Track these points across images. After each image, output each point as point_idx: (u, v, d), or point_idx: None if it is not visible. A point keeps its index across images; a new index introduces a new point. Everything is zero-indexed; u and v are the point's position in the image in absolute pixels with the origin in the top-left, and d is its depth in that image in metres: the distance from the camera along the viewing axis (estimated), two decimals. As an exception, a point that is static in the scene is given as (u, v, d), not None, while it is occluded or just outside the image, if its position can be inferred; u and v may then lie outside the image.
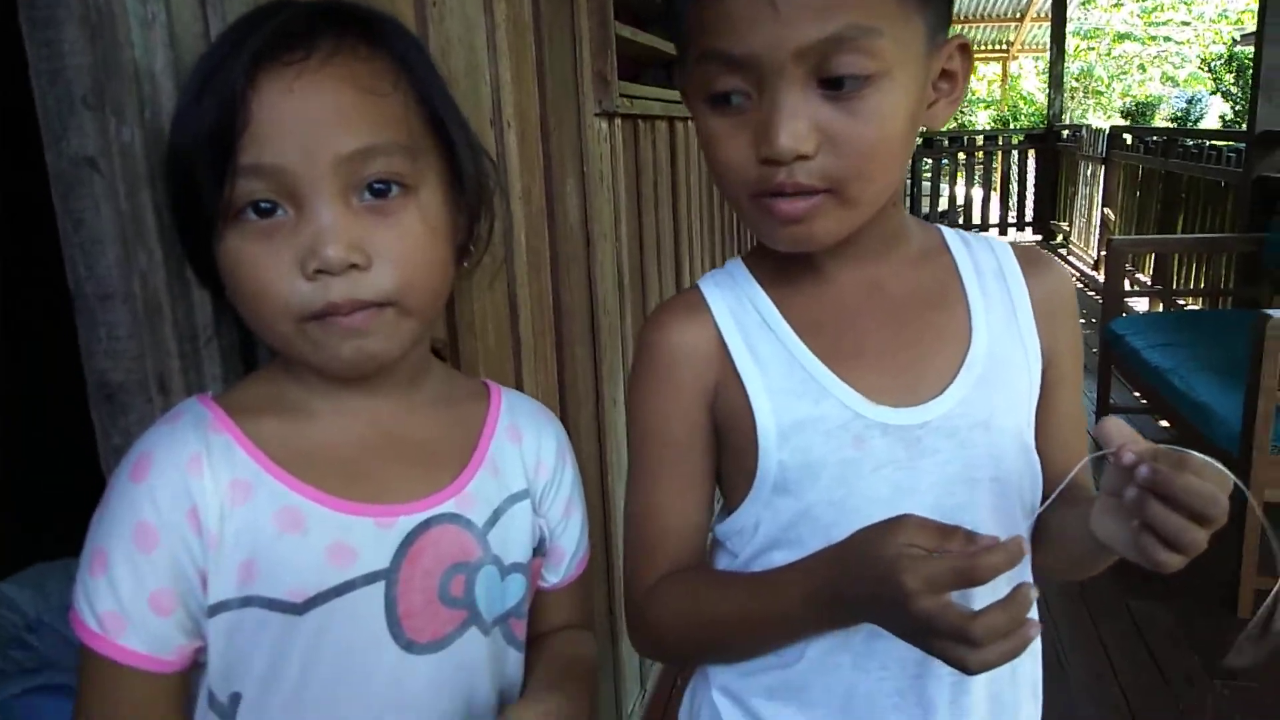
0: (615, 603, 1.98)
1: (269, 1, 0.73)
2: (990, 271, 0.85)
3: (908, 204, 7.92)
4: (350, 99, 0.67)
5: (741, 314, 0.83)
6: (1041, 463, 0.84)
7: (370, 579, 0.71)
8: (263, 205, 0.67)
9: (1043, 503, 0.83)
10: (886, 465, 0.78)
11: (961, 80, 0.78)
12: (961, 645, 0.63)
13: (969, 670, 0.64)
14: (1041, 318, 0.84)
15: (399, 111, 0.70)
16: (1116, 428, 0.66)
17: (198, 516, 0.67)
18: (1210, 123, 15.67)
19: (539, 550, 0.84)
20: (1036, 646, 0.86)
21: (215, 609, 0.69)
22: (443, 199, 0.74)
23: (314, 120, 0.66)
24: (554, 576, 0.88)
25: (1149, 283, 5.78)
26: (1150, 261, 5.90)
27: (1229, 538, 2.37)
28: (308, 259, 0.66)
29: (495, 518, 0.78)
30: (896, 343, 0.81)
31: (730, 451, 0.84)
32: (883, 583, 0.65)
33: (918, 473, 0.78)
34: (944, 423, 0.79)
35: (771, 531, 0.81)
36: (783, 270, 0.84)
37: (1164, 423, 3.73)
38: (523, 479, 0.82)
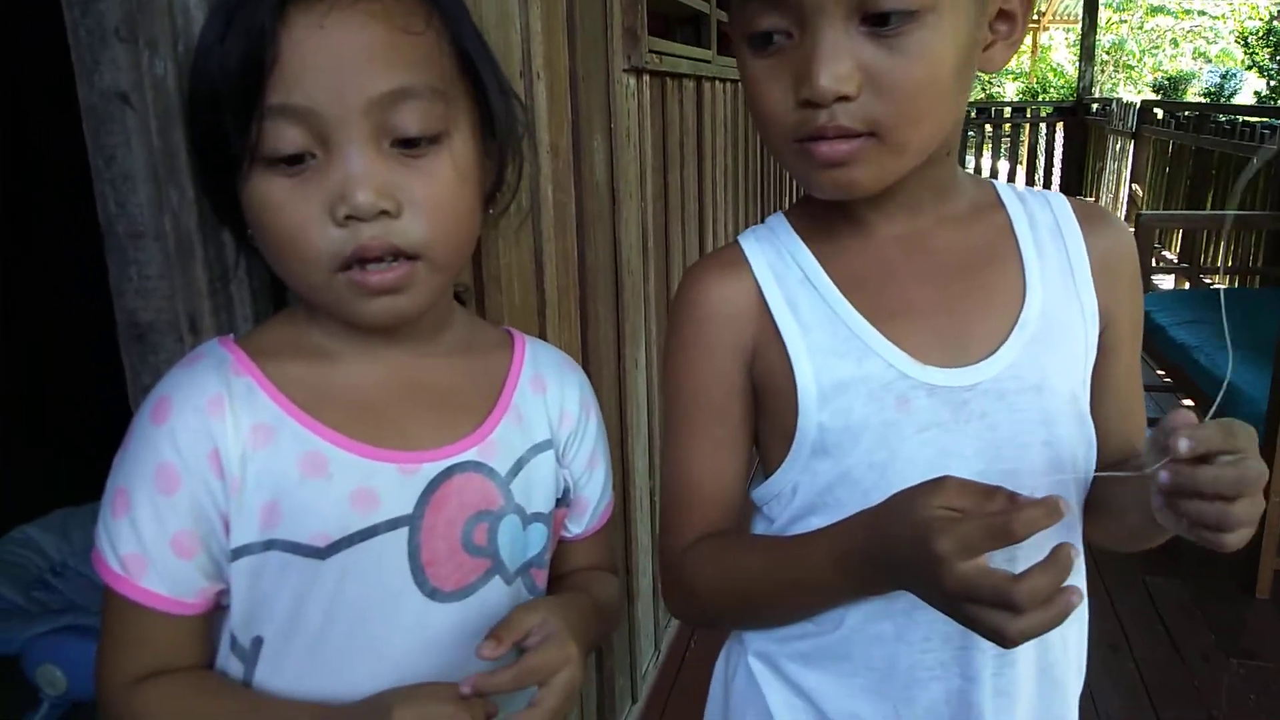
0: (632, 562, 1.99)
1: None
2: (1046, 227, 0.82)
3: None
4: (383, 37, 0.65)
5: (782, 270, 0.80)
6: (1097, 428, 0.81)
7: (393, 525, 0.71)
8: (291, 155, 0.65)
9: (1098, 469, 0.81)
10: (931, 427, 0.75)
11: (1021, 21, 0.74)
12: (1000, 612, 0.59)
13: (1007, 641, 0.60)
14: (1100, 276, 0.81)
15: (431, 51, 0.68)
16: (1181, 419, 0.64)
17: (219, 459, 0.67)
18: (1244, 99, 15.38)
19: (562, 501, 0.84)
20: (1084, 615, 0.84)
21: (238, 552, 0.68)
22: (473, 144, 0.72)
23: (345, 59, 0.64)
24: (577, 527, 0.87)
25: (1176, 260, 5.71)
26: (1178, 238, 5.82)
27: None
28: (337, 205, 0.64)
29: (518, 467, 0.78)
30: (944, 301, 0.78)
31: (769, 413, 0.82)
32: (917, 545, 0.62)
33: (964, 436, 0.76)
34: (993, 385, 0.76)
35: (809, 496, 0.80)
36: (826, 225, 0.81)
37: (1188, 401, 3.70)
38: (546, 429, 0.81)
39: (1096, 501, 0.81)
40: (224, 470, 0.67)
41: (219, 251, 0.79)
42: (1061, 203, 0.84)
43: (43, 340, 2.37)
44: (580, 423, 0.85)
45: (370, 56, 0.65)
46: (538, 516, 0.80)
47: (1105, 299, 0.81)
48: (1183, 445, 0.61)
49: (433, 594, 0.73)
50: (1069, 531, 0.81)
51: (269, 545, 0.68)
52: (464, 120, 0.71)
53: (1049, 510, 0.59)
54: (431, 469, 0.73)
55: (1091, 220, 0.83)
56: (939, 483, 0.65)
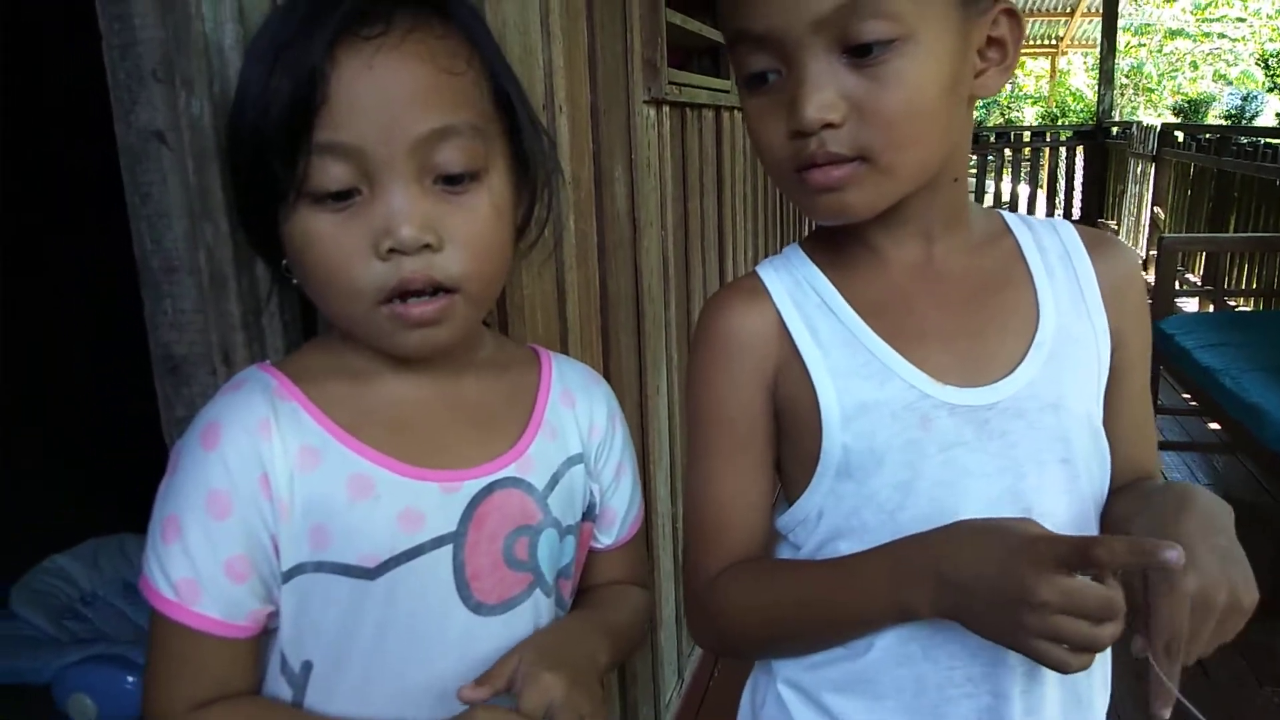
0: (655, 588, 1.98)
1: None
2: (1055, 252, 0.84)
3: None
4: (428, 77, 0.67)
5: (801, 296, 0.82)
6: (1110, 447, 0.83)
7: (438, 542, 0.72)
8: (338, 192, 0.67)
9: (1111, 487, 0.83)
10: (954, 446, 0.77)
11: (1013, 47, 0.76)
12: (1095, 625, 0.63)
13: (1069, 669, 0.64)
14: (1109, 298, 0.83)
15: (471, 90, 0.70)
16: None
17: (269, 482, 0.68)
18: (1266, 121, 15.31)
19: (589, 514, 0.85)
20: None
21: (289, 574, 0.70)
22: (508, 180, 0.74)
23: (392, 99, 0.66)
24: (607, 538, 0.89)
25: (1199, 283, 5.67)
26: (1201, 261, 5.78)
27: (1281, 541, 2.32)
28: (382, 239, 0.66)
29: (554, 481, 0.80)
30: (961, 324, 0.80)
31: (792, 437, 0.83)
32: (1008, 579, 0.65)
33: (986, 455, 0.77)
34: (1013, 403, 0.77)
35: (835, 519, 0.80)
36: (841, 252, 0.83)
37: (1214, 425, 3.66)
38: (578, 442, 0.83)
39: (1111, 521, 0.82)
40: (273, 493, 0.69)
41: (252, 284, 0.81)
42: (1068, 229, 0.86)
43: (83, 368, 2.41)
44: (608, 434, 0.87)
45: (416, 97, 0.67)
46: (570, 529, 0.82)
47: (1115, 321, 0.83)
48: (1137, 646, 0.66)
49: (477, 608, 0.74)
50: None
51: (319, 567, 0.70)
52: (500, 156, 0.73)
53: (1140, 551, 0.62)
54: (473, 486, 0.74)
55: (1098, 246, 0.85)
56: (1033, 528, 0.68)
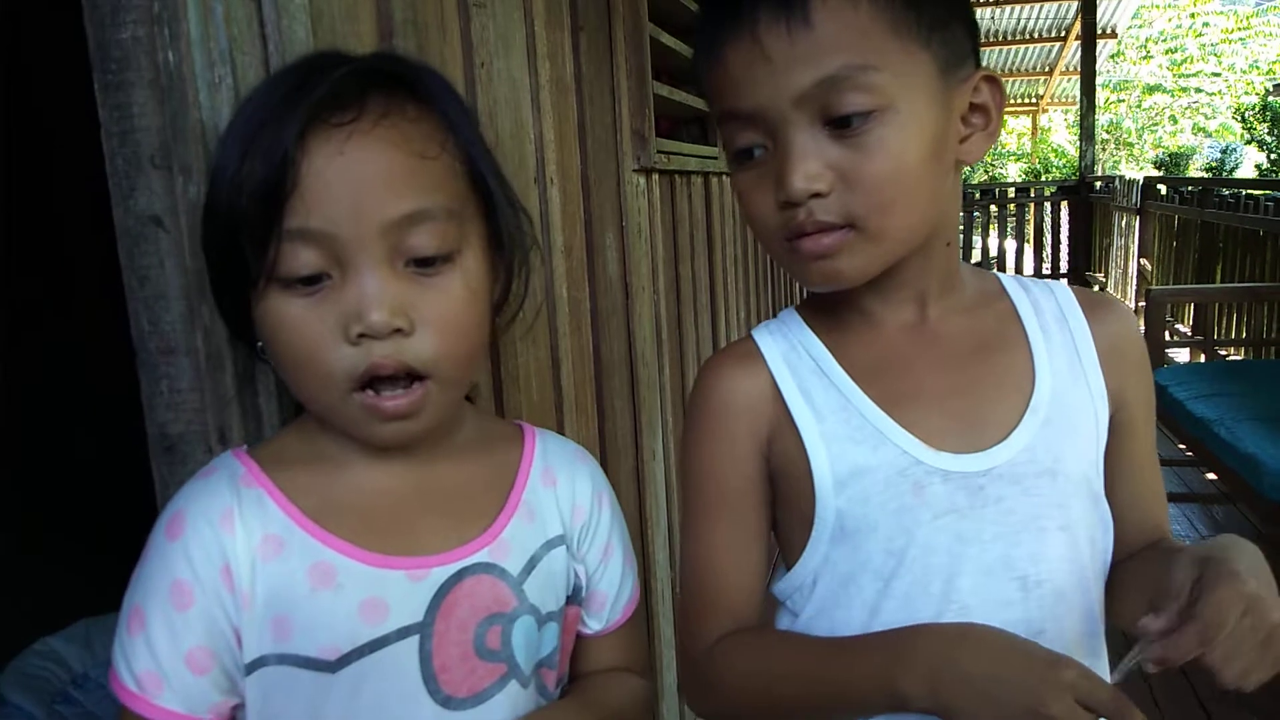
0: (655, 656, 1.96)
1: (312, 55, 0.74)
2: (1051, 314, 0.84)
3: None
4: (400, 163, 0.67)
5: (795, 360, 0.83)
6: (1115, 512, 0.82)
7: (403, 633, 0.70)
8: (308, 276, 0.66)
9: (1116, 554, 0.81)
10: (947, 514, 0.76)
11: (995, 113, 0.78)
12: None
13: None
14: (1107, 361, 0.83)
15: (445, 174, 0.70)
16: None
17: (231, 572, 0.67)
18: (1245, 172, 15.57)
19: (574, 598, 0.82)
20: None
21: (251, 666, 0.68)
22: (483, 259, 0.74)
23: (363, 184, 0.66)
24: (597, 623, 0.85)
25: (1189, 333, 5.71)
26: (1190, 312, 5.83)
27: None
28: (352, 324, 0.65)
29: (531, 565, 0.77)
30: (956, 387, 0.80)
31: (786, 502, 0.83)
32: (1028, 693, 0.64)
33: (981, 521, 0.77)
34: (1008, 469, 0.77)
35: (831, 585, 0.80)
36: (835, 316, 0.84)
37: (1211, 475, 3.66)
38: (559, 524, 0.81)
39: (1114, 585, 0.82)
40: (235, 584, 0.68)
41: (248, 364, 0.81)
42: (1064, 291, 0.87)
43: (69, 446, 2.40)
44: (592, 514, 0.84)
45: (387, 182, 0.66)
46: (551, 616, 0.79)
47: (1114, 383, 0.83)
48: (1150, 669, 0.64)
49: (446, 702, 0.72)
50: (1089, 619, 0.81)
51: (281, 659, 0.68)
52: (475, 236, 0.73)
53: None
54: (441, 573, 0.72)
55: (1095, 307, 0.85)
56: (1055, 662, 0.67)
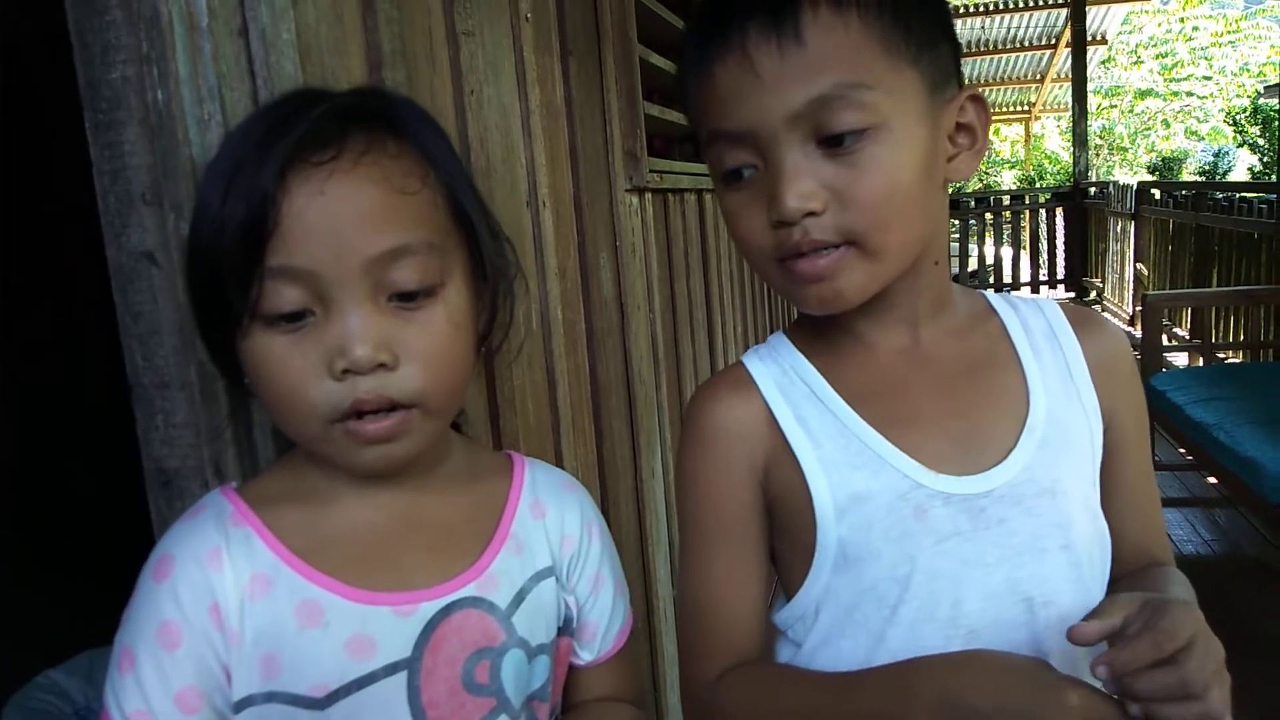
0: (659, 675, 1.95)
1: (291, 92, 0.74)
2: (1040, 332, 0.84)
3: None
4: (381, 200, 0.67)
5: (789, 386, 0.82)
6: (1111, 529, 0.81)
7: (391, 669, 0.70)
8: (291, 314, 0.66)
9: (1113, 572, 0.81)
10: (950, 537, 0.75)
11: (981, 132, 0.78)
12: None
13: None
14: (1099, 378, 0.82)
15: (427, 207, 0.70)
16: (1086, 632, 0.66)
17: (219, 611, 0.68)
18: (1239, 175, 15.61)
19: (565, 629, 0.82)
20: None
21: (240, 704, 0.68)
22: (467, 291, 0.74)
23: (345, 222, 0.66)
24: (589, 654, 0.84)
25: (1187, 337, 5.72)
26: (1187, 315, 5.84)
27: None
28: (336, 359, 0.66)
29: (520, 598, 0.76)
30: (951, 409, 0.79)
31: (787, 530, 0.81)
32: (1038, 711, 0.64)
33: (984, 544, 0.75)
34: (1009, 490, 0.76)
35: (835, 614, 0.79)
36: (826, 340, 0.83)
37: (1211, 479, 3.66)
38: (548, 555, 0.80)
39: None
40: (224, 623, 0.68)
41: (241, 398, 0.82)
42: (1053, 308, 0.86)
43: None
44: (582, 545, 0.83)
45: (368, 219, 0.66)
46: (541, 648, 0.78)
47: (1106, 399, 0.82)
48: (1100, 671, 0.63)
49: None
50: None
51: (270, 697, 0.68)
52: (458, 269, 0.72)
53: None
54: (429, 609, 0.72)
55: (1084, 324, 0.85)
56: (1043, 665, 0.67)
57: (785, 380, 0.82)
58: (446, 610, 0.72)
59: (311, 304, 0.66)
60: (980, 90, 0.79)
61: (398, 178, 0.68)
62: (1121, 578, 0.82)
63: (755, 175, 0.74)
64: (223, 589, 0.68)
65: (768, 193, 0.72)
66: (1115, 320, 7.53)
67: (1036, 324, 0.84)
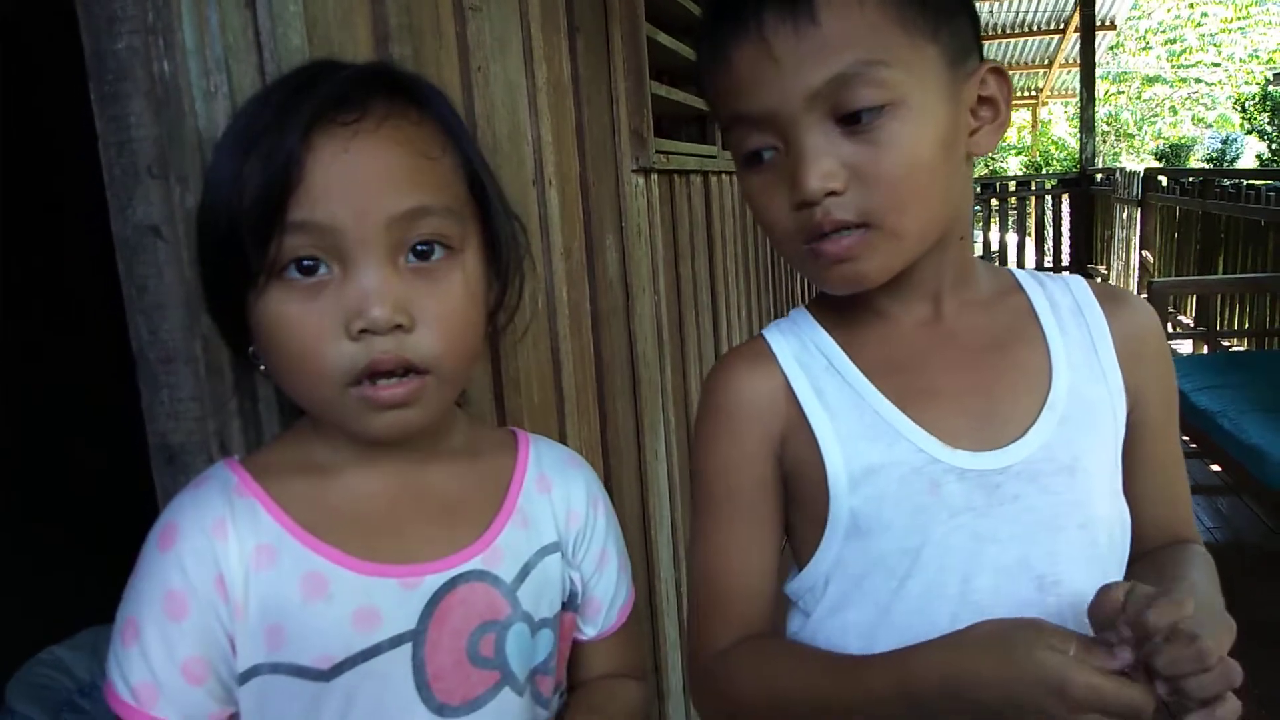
0: (661, 657, 1.96)
1: (311, 63, 0.75)
2: (1067, 308, 0.83)
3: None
4: (403, 161, 0.68)
5: (807, 359, 0.82)
6: (1133, 510, 0.81)
7: (396, 641, 0.70)
8: (306, 263, 0.66)
9: (1133, 551, 0.80)
10: (964, 512, 0.75)
11: (1004, 104, 0.78)
12: None
13: None
14: (1125, 355, 0.81)
15: (447, 176, 0.71)
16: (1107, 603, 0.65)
17: (224, 582, 0.68)
18: (1247, 162, 15.54)
19: (570, 604, 0.82)
20: None
21: (246, 675, 0.69)
22: (481, 264, 0.74)
23: (368, 180, 0.66)
24: (592, 629, 0.85)
25: (1192, 324, 5.70)
26: (1192, 303, 5.82)
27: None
28: (353, 319, 0.66)
29: (525, 572, 0.77)
30: (971, 384, 0.79)
31: (799, 500, 0.82)
32: (1032, 686, 0.63)
33: (998, 520, 0.75)
34: (1026, 467, 0.76)
35: (844, 586, 0.79)
36: (847, 314, 0.83)
37: (1215, 466, 3.66)
38: (554, 530, 0.81)
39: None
40: (229, 594, 0.68)
41: (248, 372, 0.81)
42: (1081, 285, 0.85)
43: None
44: (588, 520, 0.84)
45: (391, 178, 0.67)
46: (545, 622, 0.79)
47: (1131, 378, 0.81)
48: (1124, 632, 0.62)
49: (440, 709, 0.71)
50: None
51: (275, 668, 0.68)
52: (473, 241, 0.73)
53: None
54: (434, 581, 0.72)
55: (1112, 300, 0.84)
56: (1036, 625, 0.66)
57: (804, 353, 0.82)
58: (452, 583, 0.73)
59: (330, 259, 0.66)
60: (1000, 63, 0.78)
61: (420, 142, 0.69)
62: (1141, 556, 0.82)
63: (776, 157, 0.74)
64: (227, 559, 0.68)
65: (789, 174, 0.72)
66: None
67: (1063, 300, 0.84)
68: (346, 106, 0.67)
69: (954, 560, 0.74)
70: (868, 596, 0.78)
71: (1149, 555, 0.82)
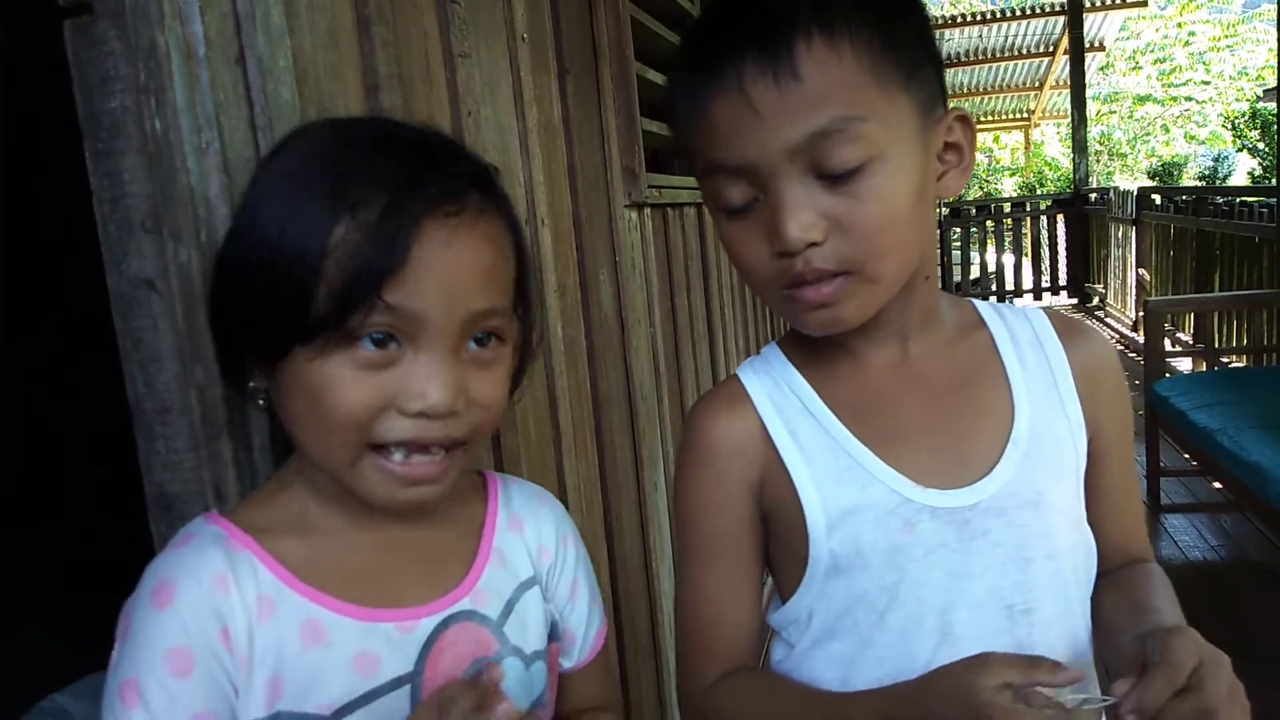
0: (664, 691, 1.95)
1: (379, 120, 0.80)
2: (1027, 341, 0.85)
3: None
4: (491, 259, 0.71)
5: (782, 401, 0.84)
6: (1094, 535, 0.83)
7: (395, 684, 0.72)
8: (377, 336, 0.67)
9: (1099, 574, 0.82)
10: (938, 549, 0.78)
11: (968, 149, 0.79)
12: None
13: None
14: (1083, 386, 0.84)
15: (510, 274, 0.74)
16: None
17: (229, 635, 0.68)
18: (1239, 179, 15.62)
19: (553, 635, 0.85)
20: None
21: None
22: (514, 349, 0.77)
23: (462, 276, 0.68)
24: (568, 660, 0.88)
25: (1190, 342, 5.71)
26: (1189, 321, 5.83)
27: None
28: (414, 400, 0.67)
29: (509, 609, 0.80)
30: (939, 423, 0.81)
31: (781, 540, 0.84)
32: (962, 712, 0.65)
33: (970, 555, 0.78)
34: (993, 503, 0.78)
35: (826, 620, 0.81)
36: (819, 353, 0.85)
37: (1217, 484, 3.65)
38: (529, 566, 0.83)
39: (1095, 620, 0.83)
40: (234, 646, 0.68)
41: (243, 422, 0.82)
42: (1040, 317, 0.88)
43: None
44: (558, 554, 0.86)
45: (478, 276, 0.70)
46: (537, 655, 0.81)
47: (1090, 408, 0.84)
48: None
49: None
50: (1076, 642, 0.82)
51: (275, 718, 0.69)
52: (514, 329, 0.76)
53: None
54: (429, 624, 0.75)
55: (1070, 333, 0.87)
56: (983, 660, 0.67)
57: (778, 394, 0.84)
58: (444, 624, 0.75)
59: (403, 338, 0.68)
60: (965, 110, 0.80)
61: (500, 242, 0.72)
62: (1104, 576, 0.85)
63: (755, 206, 0.75)
64: (231, 613, 0.68)
65: (768, 223, 0.73)
66: (1119, 325, 7.53)
67: (1023, 334, 0.86)
68: (455, 198, 0.69)
69: (930, 594, 0.77)
70: (850, 630, 0.80)
71: (1111, 579, 0.85)
